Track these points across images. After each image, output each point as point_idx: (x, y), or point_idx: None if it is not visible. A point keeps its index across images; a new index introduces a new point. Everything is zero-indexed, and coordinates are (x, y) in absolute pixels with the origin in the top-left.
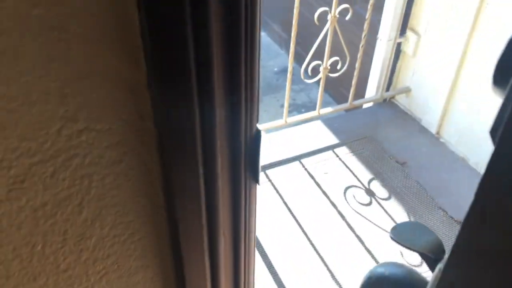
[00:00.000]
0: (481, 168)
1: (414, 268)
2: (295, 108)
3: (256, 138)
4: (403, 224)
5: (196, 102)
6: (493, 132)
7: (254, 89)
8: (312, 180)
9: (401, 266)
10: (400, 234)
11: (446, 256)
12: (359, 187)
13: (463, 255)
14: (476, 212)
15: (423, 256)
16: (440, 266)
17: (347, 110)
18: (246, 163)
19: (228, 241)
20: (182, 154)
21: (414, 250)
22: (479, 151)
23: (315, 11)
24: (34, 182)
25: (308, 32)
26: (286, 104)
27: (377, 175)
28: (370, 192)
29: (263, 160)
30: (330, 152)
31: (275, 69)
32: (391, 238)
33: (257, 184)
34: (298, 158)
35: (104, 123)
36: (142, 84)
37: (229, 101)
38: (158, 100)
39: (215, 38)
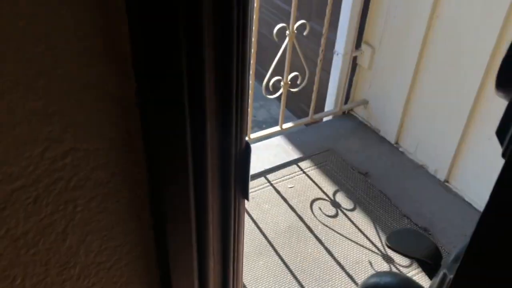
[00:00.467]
0: (440, 175)
1: (408, 276)
2: (256, 124)
3: (245, 152)
4: (398, 232)
5: (187, 117)
6: (499, 132)
7: (245, 102)
8: (278, 195)
9: (395, 275)
10: (397, 242)
11: (449, 261)
12: (325, 200)
13: (475, 264)
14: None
15: (420, 262)
16: (444, 271)
17: (308, 124)
18: (235, 179)
19: (218, 261)
20: (172, 172)
21: (412, 257)
22: (437, 159)
23: (273, 29)
24: (16, 209)
25: (266, 49)
26: (249, 120)
27: (341, 186)
28: (335, 204)
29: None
30: (294, 166)
31: None
32: (388, 246)
33: (246, 200)
34: (263, 173)
35: (91, 142)
36: (131, 100)
37: (220, 116)
38: (148, 116)
39: (208, 53)
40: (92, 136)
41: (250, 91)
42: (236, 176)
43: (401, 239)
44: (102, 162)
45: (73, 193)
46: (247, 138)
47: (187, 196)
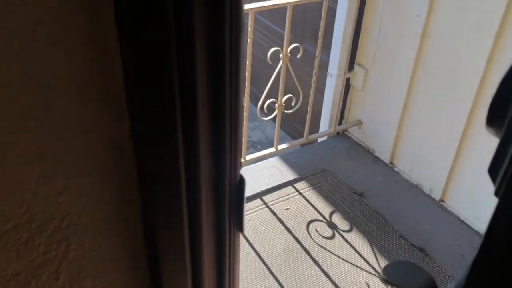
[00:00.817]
0: (435, 194)
1: None
2: (251, 145)
3: (239, 185)
4: (393, 264)
5: (181, 152)
6: (491, 171)
7: (238, 137)
8: (274, 217)
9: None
10: (393, 275)
11: None
12: (321, 221)
13: None
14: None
15: None
16: None
17: (303, 145)
18: (230, 212)
19: None
20: (166, 207)
21: None
22: (432, 178)
23: (267, 51)
24: (7, 251)
25: (260, 71)
26: (244, 142)
27: (338, 207)
28: (332, 225)
29: None
30: (290, 187)
31: None
32: (384, 279)
33: (241, 232)
34: (259, 195)
35: (84, 180)
36: (125, 136)
37: (214, 150)
38: (140, 151)
39: (201, 87)
40: (85, 174)
41: (245, 113)
42: (230, 209)
43: (397, 272)
44: (94, 199)
45: (66, 232)
46: (242, 160)
47: (181, 231)
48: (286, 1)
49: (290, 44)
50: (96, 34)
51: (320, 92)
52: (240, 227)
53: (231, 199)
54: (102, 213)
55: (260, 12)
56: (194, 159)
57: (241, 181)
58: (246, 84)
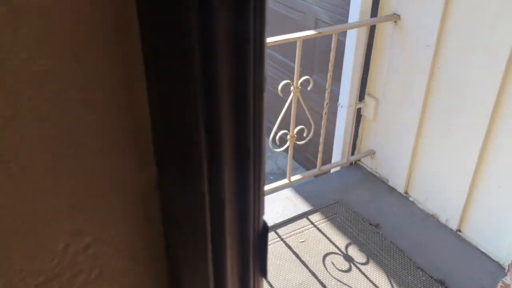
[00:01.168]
0: (452, 224)
1: None
2: None
3: (263, 231)
4: None
5: (206, 201)
6: None
7: (262, 183)
8: (289, 250)
9: None
10: None
11: None
12: (337, 253)
13: None
14: None
15: None
16: None
17: (316, 176)
18: (254, 258)
19: None
20: (191, 256)
21: None
22: (448, 207)
23: (278, 84)
24: None
25: (271, 102)
26: None
27: (353, 239)
28: (348, 258)
29: None
30: (304, 219)
31: None
32: None
33: (265, 278)
34: (272, 228)
35: (112, 232)
36: (151, 186)
37: (238, 198)
38: (168, 201)
39: (226, 137)
40: (113, 226)
41: None
42: (254, 256)
43: None
44: (123, 251)
45: (94, 284)
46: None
47: (207, 278)
48: (296, 36)
49: (300, 77)
50: (126, 93)
51: (331, 122)
52: (264, 273)
53: (255, 246)
54: (129, 264)
55: (269, 46)
56: (219, 207)
57: (265, 227)
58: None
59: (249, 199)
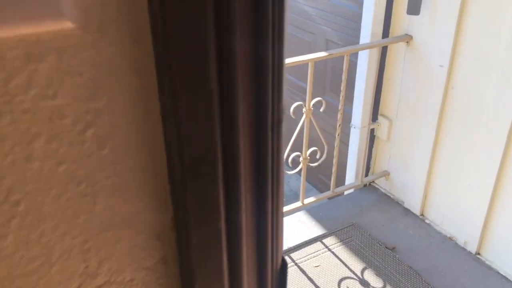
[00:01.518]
0: (471, 247)
1: None
2: None
3: (282, 270)
4: None
5: (223, 241)
6: None
7: (280, 221)
8: (303, 275)
9: None
10: None
11: None
12: (353, 278)
13: None
14: None
15: None
16: None
17: (329, 198)
18: None
19: None
20: None
21: None
22: (466, 229)
23: (290, 105)
24: None
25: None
26: None
27: (369, 263)
28: (364, 283)
29: None
30: (319, 243)
31: None
32: None
33: None
34: (286, 252)
35: (126, 274)
36: (168, 227)
37: (256, 236)
38: (184, 242)
39: (243, 179)
40: (128, 267)
41: None
42: None
43: None
44: None
45: None
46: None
47: None
48: (308, 58)
49: (312, 98)
50: (142, 132)
51: (344, 143)
52: None
53: (273, 284)
54: None
55: None
56: (236, 247)
57: (284, 264)
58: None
59: (267, 237)
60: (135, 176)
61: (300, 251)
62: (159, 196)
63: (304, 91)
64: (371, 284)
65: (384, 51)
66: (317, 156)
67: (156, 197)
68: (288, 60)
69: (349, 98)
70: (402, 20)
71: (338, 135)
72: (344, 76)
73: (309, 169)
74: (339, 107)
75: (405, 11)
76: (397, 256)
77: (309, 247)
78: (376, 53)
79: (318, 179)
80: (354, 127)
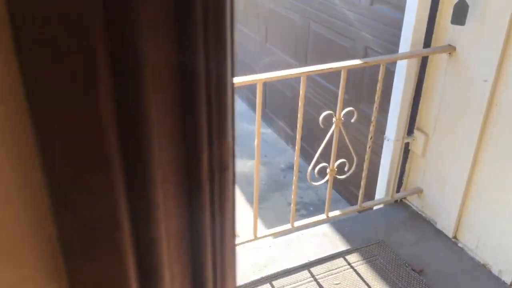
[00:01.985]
0: (506, 277)
1: None
2: (303, 206)
3: None
4: None
5: None
6: None
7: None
8: None
9: None
10: None
11: None
12: None
13: None
14: None
15: None
16: None
17: (357, 212)
18: None
19: None
20: None
21: None
22: (502, 257)
23: (321, 111)
24: None
25: (314, 128)
26: (293, 208)
27: (393, 285)
28: None
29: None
30: (341, 259)
31: (282, 165)
32: None
33: None
34: (306, 266)
35: None
36: None
37: None
38: None
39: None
40: None
41: (294, 178)
42: None
43: None
44: None
45: None
46: (289, 226)
47: None
48: (340, 65)
49: (344, 107)
50: (29, 196)
51: (376, 154)
52: None
53: None
54: None
55: (315, 73)
56: None
57: None
58: (296, 147)
59: None
60: (23, 243)
61: (321, 266)
62: (52, 265)
63: (337, 98)
64: None
65: (424, 61)
66: (346, 169)
67: (47, 266)
68: (320, 67)
69: (385, 109)
70: (445, 30)
71: (369, 147)
72: (378, 87)
73: (338, 180)
74: (372, 118)
75: (449, 20)
76: (424, 280)
77: (330, 262)
78: (415, 63)
79: (347, 190)
80: (388, 140)
